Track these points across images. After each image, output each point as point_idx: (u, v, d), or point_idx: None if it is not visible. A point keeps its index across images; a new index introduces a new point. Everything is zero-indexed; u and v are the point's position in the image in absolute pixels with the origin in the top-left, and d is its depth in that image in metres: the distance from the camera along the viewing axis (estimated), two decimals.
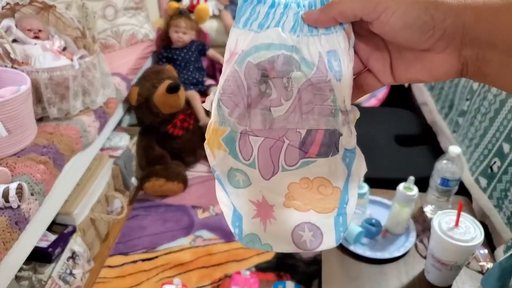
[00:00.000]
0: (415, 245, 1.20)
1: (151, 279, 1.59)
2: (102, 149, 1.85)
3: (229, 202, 0.47)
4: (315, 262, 1.63)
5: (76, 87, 1.46)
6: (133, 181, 1.99)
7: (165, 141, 2.11)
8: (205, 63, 2.49)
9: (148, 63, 2.35)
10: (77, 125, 1.47)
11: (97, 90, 1.56)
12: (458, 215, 0.99)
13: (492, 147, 1.24)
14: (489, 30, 0.32)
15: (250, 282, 1.46)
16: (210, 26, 2.52)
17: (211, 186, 2.17)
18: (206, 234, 1.79)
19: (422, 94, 1.91)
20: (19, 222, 1.12)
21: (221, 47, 2.53)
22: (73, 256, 1.46)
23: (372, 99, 2.26)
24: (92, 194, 1.62)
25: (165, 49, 2.40)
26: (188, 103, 2.21)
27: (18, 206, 1.11)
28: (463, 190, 1.33)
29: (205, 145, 0.44)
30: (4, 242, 1.06)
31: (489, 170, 1.23)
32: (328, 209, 0.43)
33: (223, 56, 2.09)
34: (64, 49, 1.65)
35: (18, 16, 1.59)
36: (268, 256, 1.68)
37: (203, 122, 2.22)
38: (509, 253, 0.85)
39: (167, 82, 2.02)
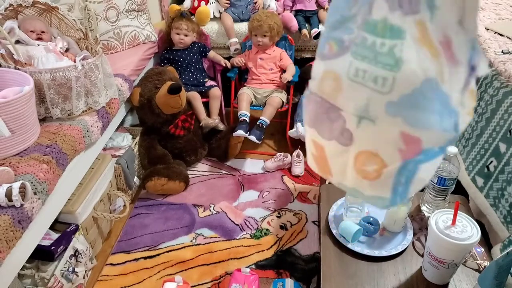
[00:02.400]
0: (413, 243, 1.21)
1: (152, 276, 1.61)
2: (104, 149, 1.86)
3: None
4: (314, 259, 1.65)
5: (79, 88, 1.48)
6: (135, 180, 2.01)
7: (167, 141, 2.13)
8: (205, 64, 2.50)
9: (150, 65, 2.36)
10: (80, 125, 1.49)
11: (99, 91, 1.57)
12: (455, 214, 1.00)
13: (488, 146, 1.25)
14: None
15: (250, 279, 1.47)
16: (210, 28, 2.53)
17: (212, 185, 2.19)
18: (207, 232, 1.81)
19: None
20: (22, 221, 1.13)
21: (222, 48, 2.55)
22: (76, 254, 1.47)
23: None
24: (95, 193, 1.64)
25: (166, 50, 2.42)
26: (189, 103, 2.22)
27: (21, 205, 1.13)
28: (460, 189, 1.34)
29: None
30: (7, 240, 1.07)
31: (485, 170, 1.24)
32: None
33: (223, 57, 2.09)
34: (67, 50, 1.67)
35: (21, 18, 1.61)
36: (268, 254, 1.69)
37: (204, 122, 2.24)
38: (505, 252, 0.87)
39: (168, 83, 2.03)
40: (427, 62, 0.53)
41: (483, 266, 1.12)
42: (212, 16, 2.53)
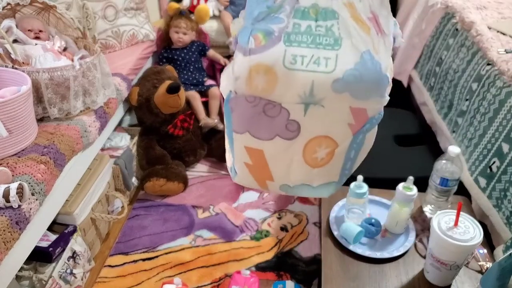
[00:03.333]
0: (415, 245, 1.20)
1: (151, 278, 1.59)
2: (102, 149, 1.85)
3: None
4: (315, 261, 1.64)
5: (77, 87, 1.47)
6: (134, 181, 1.99)
7: (166, 141, 2.11)
8: (205, 63, 2.49)
9: (148, 64, 2.35)
10: (77, 125, 1.48)
11: (97, 90, 1.56)
12: (458, 215, 1.00)
13: (491, 147, 1.25)
14: None
15: (250, 282, 1.46)
16: (210, 27, 2.52)
17: (211, 186, 2.17)
18: (206, 233, 1.80)
19: (422, 94, 1.91)
20: (20, 222, 1.12)
21: (221, 47, 2.54)
22: (74, 255, 1.46)
23: None
24: (93, 194, 1.63)
25: (165, 49, 2.40)
26: (188, 103, 2.21)
27: (19, 206, 1.12)
28: (462, 190, 1.33)
29: None
30: (4, 242, 1.06)
31: (488, 170, 1.24)
32: None
33: (223, 56, 2.08)
34: (65, 49, 1.66)
35: (19, 17, 1.59)
36: (268, 256, 1.68)
37: (203, 122, 2.23)
38: (508, 253, 0.86)
39: (167, 83, 2.02)
40: (362, 36, 0.56)
41: (485, 268, 1.11)
42: (211, 15, 2.52)
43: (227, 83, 0.64)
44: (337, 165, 0.65)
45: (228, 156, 0.72)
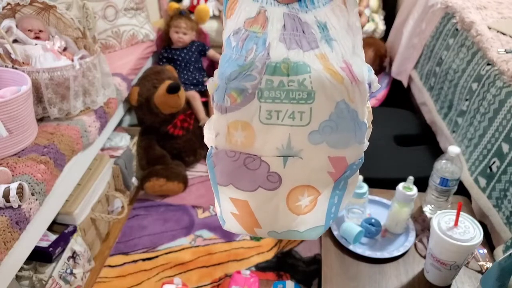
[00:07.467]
0: (415, 245, 1.20)
1: (151, 278, 1.59)
2: (102, 149, 1.85)
3: None
4: (315, 261, 1.64)
5: (77, 87, 1.47)
6: (134, 181, 1.99)
7: (166, 141, 2.11)
8: (205, 63, 2.49)
9: (148, 64, 2.35)
10: (77, 125, 1.48)
11: (97, 90, 1.56)
12: (458, 215, 0.99)
13: (491, 147, 1.25)
14: None
15: (250, 282, 1.46)
16: (210, 27, 2.52)
17: (211, 186, 2.16)
18: (206, 233, 1.80)
19: (422, 94, 1.91)
20: (20, 222, 1.12)
21: (221, 47, 2.53)
22: (74, 255, 1.46)
23: (371, 99, 2.26)
24: (93, 194, 1.63)
25: (165, 49, 2.40)
26: (188, 103, 2.21)
27: (19, 206, 1.12)
28: (462, 190, 1.33)
29: None
30: (4, 242, 1.06)
31: (488, 170, 1.24)
32: None
33: None
34: (65, 49, 1.65)
35: (19, 17, 1.59)
36: (268, 256, 1.68)
37: (203, 122, 2.23)
38: (508, 253, 0.86)
39: (167, 83, 2.02)
40: (336, 86, 0.56)
41: (485, 268, 1.11)
42: (211, 15, 2.52)
43: (208, 137, 0.66)
44: (321, 211, 0.66)
45: (216, 205, 0.74)
